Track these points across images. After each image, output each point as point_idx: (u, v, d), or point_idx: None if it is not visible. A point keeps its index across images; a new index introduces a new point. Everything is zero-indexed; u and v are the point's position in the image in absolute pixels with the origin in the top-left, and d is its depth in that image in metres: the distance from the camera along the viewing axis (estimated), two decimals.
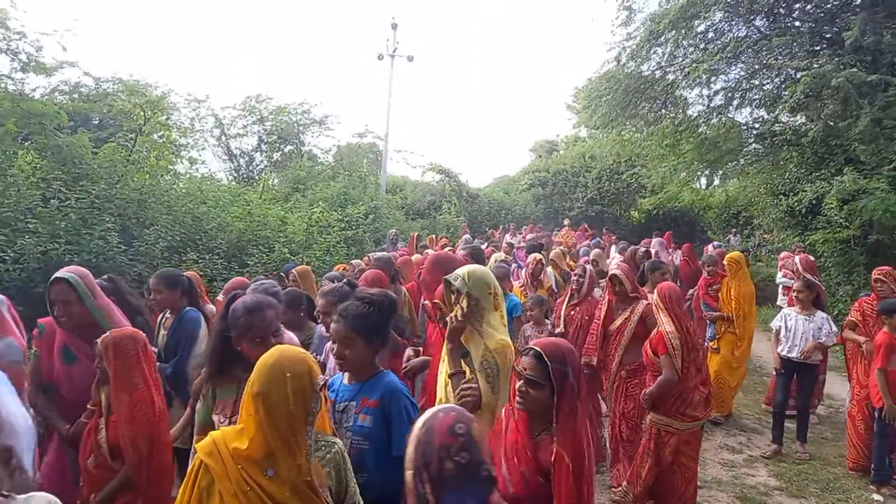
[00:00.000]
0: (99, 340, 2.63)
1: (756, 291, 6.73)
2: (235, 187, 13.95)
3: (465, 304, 2.45)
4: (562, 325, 5.18)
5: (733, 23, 12.02)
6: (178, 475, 2.70)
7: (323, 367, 3.07)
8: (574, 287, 5.27)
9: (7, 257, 6.78)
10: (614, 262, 6.20)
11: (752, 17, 11.80)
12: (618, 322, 4.52)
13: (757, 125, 12.65)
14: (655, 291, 4.13)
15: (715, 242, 15.21)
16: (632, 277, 4.61)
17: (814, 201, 10.47)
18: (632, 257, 7.64)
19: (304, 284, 4.81)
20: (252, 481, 1.64)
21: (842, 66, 9.00)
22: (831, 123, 9.62)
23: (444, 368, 2.52)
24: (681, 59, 12.30)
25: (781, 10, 11.75)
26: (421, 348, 3.52)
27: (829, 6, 11.14)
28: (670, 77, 12.61)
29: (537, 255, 6.60)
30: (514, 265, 8.57)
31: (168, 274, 3.89)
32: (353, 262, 7.39)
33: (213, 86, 42.38)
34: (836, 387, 6.80)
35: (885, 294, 4.98)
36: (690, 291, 6.93)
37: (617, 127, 14.10)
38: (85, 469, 2.67)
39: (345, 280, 3.86)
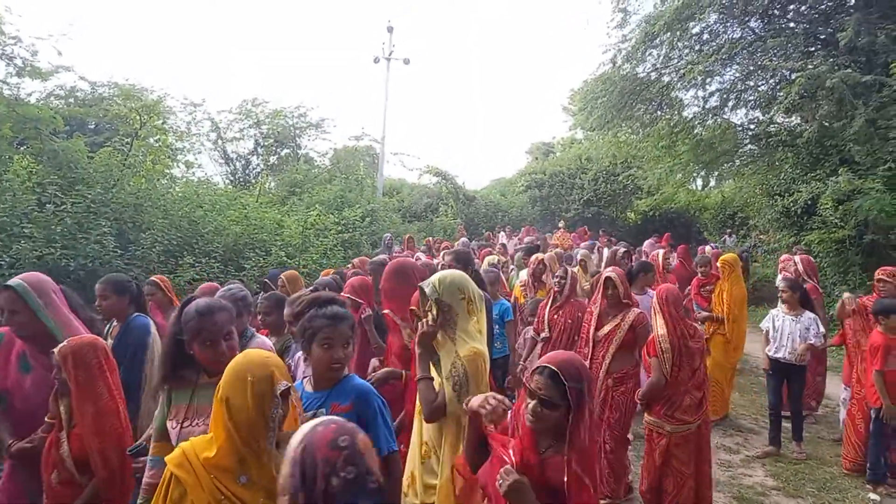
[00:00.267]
0: (56, 351, 2.51)
1: (752, 292, 6.75)
2: (232, 191, 13.94)
3: (435, 310, 2.45)
4: (546, 329, 5.04)
5: (728, 24, 12.09)
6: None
7: (294, 373, 3.05)
8: (556, 289, 5.11)
9: (3, 262, 6.78)
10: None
11: (746, 19, 11.87)
12: (607, 328, 4.35)
13: (752, 126, 12.71)
14: (655, 293, 4.16)
15: (711, 243, 15.24)
16: (626, 283, 4.47)
17: (809, 202, 10.52)
18: (612, 259, 7.63)
19: (293, 289, 4.78)
20: (226, 490, 1.63)
21: (836, 67, 9.05)
22: (826, 124, 9.67)
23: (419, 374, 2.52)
24: (676, 60, 12.36)
25: (776, 11, 11.81)
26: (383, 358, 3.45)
27: (823, 7, 11.21)
28: (666, 79, 12.67)
29: (539, 256, 6.59)
30: (512, 267, 8.59)
31: (115, 279, 3.72)
32: (353, 261, 7.42)
33: (210, 88, 42.50)
34: (832, 386, 6.81)
35: (888, 294, 4.99)
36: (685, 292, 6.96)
37: (613, 129, 14.15)
38: (49, 486, 2.55)
39: (312, 286, 3.81)
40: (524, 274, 6.58)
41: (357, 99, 63.57)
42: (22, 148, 9.65)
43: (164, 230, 8.70)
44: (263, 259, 9.42)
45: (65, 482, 2.52)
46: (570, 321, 4.91)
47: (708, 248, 12.03)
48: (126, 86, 14.50)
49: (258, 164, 19.88)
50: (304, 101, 23.64)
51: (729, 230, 18.33)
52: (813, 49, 10.87)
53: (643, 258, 8.60)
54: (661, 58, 12.43)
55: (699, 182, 20.14)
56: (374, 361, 3.27)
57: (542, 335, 5.01)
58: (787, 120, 11.79)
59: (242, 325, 2.95)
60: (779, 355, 5.24)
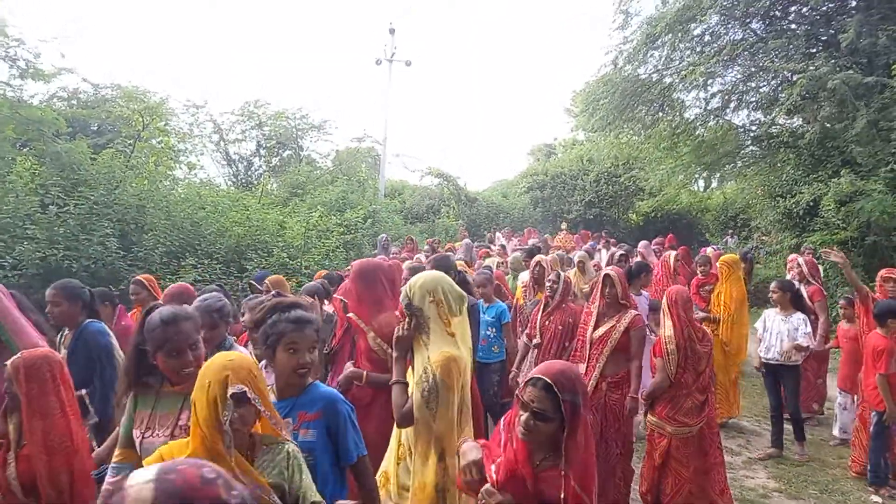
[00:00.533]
0: (8, 363, 2.35)
1: (755, 293, 6.72)
2: (234, 192, 13.96)
3: (408, 315, 2.43)
4: (538, 335, 4.91)
5: (729, 26, 12.10)
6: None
7: None
8: (548, 294, 4.94)
9: (6, 263, 6.80)
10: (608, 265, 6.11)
11: (747, 21, 11.88)
12: (602, 329, 4.17)
13: (754, 127, 12.72)
14: (665, 294, 4.14)
15: (713, 245, 15.23)
16: (625, 283, 4.32)
17: (811, 203, 10.52)
18: (610, 262, 7.54)
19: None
20: None
21: (838, 69, 9.06)
22: (828, 125, 9.68)
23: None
24: (677, 62, 12.38)
25: (777, 12, 11.82)
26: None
27: (824, 9, 11.20)
28: (667, 80, 12.68)
29: (539, 258, 6.54)
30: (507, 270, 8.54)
31: (67, 285, 3.51)
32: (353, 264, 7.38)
33: (211, 90, 42.50)
34: (834, 388, 6.80)
35: (893, 294, 4.98)
36: None
37: (614, 130, 14.18)
38: None
39: (273, 292, 3.68)
40: (524, 276, 6.54)
41: (359, 100, 63.61)
42: (25, 150, 9.69)
43: (166, 231, 8.73)
44: (265, 260, 9.43)
45: None
46: (560, 327, 4.78)
47: (710, 248, 12.03)
48: (129, 87, 14.56)
49: (260, 166, 19.92)
50: (305, 103, 23.57)
51: (731, 231, 18.34)
52: (814, 50, 10.88)
53: (638, 260, 8.55)
54: (663, 59, 12.45)
55: (701, 183, 20.17)
56: (348, 364, 3.20)
57: (534, 341, 4.91)
58: (788, 121, 11.79)
59: (221, 335, 2.85)
60: (769, 355, 5.27)
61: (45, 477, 2.28)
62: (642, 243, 9.42)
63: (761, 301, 11.38)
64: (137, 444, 2.18)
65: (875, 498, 4.55)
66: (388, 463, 2.58)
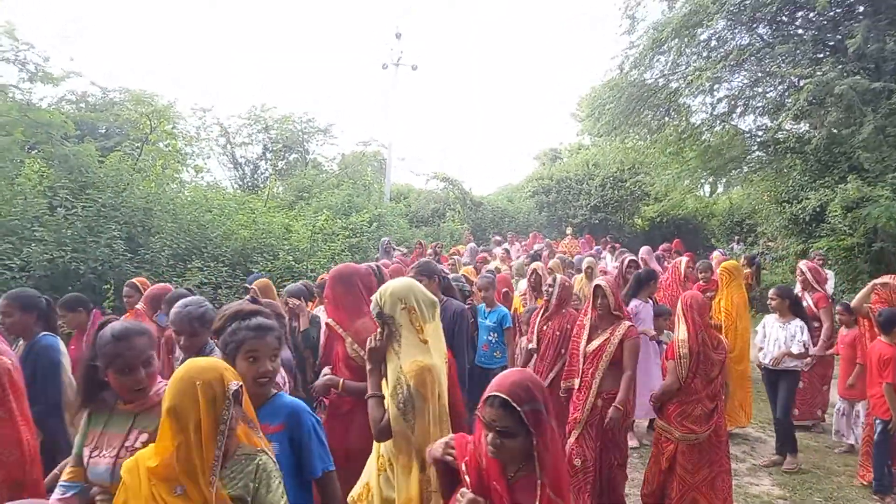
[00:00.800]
0: None
1: (761, 299, 6.68)
2: (240, 195, 14.04)
3: (380, 324, 2.39)
4: (535, 341, 4.89)
5: (736, 31, 12.07)
6: None
7: None
8: (547, 299, 4.90)
9: (14, 265, 6.86)
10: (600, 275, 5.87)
11: (754, 25, 11.84)
12: (596, 343, 4.02)
13: (760, 133, 12.67)
14: (679, 299, 4.10)
15: (719, 250, 15.17)
16: (617, 293, 4.14)
17: (818, 209, 10.49)
18: (621, 269, 7.35)
19: (266, 298, 4.71)
20: (160, 498, 1.64)
21: (845, 74, 9.03)
22: (835, 131, 9.64)
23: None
24: (684, 67, 12.35)
25: (784, 18, 11.78)
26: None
27: (831, 14, 11.16)
28: (673, 85, 12.67)
29: (536, 265, 6.55)
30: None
31: (21, 294, 3.40)
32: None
33: (218, 93, 42.59)
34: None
35: (884, 300, 4.95)
36: None
37: (620, 135, 14.15)
38: None
39: (248, 297, 3.61)
40: (523, 285, 6.54)
41: (365, 104, 63.80)
42: (33, 152, 9.78)
43: (173, 234, 8.78)
44: (271, 263, 9.46)
45: None
46: (557, 333, 4.75)
47: (716, 253, 11.98)
48: (136, 91, 14.66)
49: (266, 169, 20.00)
50: (308, 106, 23.72)
51: (737, 237, 18.25)
52: (821, 56, 10.83)
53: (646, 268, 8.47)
54: (669, 64, 12.42)
55: (707, 188, 20.06)
56: (325, 369, 3.15)
57: (531, 346, 4.91)
58: (795, 127, 11.75)
59: (202, 343, 2.79)
60: (766, 361, 5.26)
61: None
62: (644, 249, 9.28)
63: (767, 307, 11.33)
64: (85, 463, 2.08)
65: None
66: (368, 475, 2.54)
